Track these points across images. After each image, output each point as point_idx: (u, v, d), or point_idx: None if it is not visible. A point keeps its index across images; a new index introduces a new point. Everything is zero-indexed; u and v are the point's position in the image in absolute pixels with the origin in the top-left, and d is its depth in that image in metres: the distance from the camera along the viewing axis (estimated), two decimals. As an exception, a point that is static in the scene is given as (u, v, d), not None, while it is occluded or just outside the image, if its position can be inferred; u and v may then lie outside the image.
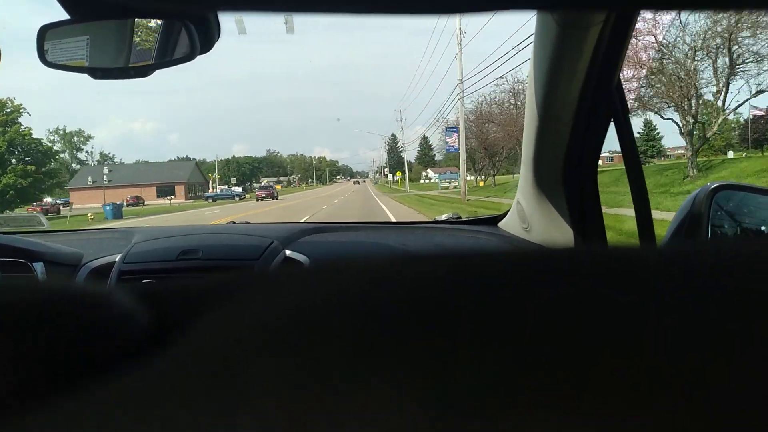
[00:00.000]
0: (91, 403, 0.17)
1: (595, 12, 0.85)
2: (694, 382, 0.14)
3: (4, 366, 0.17)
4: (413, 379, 0.15)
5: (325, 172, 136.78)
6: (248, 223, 1.76)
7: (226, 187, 65.32)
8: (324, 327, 0.18)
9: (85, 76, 0.91)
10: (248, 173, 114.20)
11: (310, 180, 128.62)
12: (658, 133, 43.84)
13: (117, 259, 1.33)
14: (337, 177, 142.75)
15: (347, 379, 0.16)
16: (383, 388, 0.15)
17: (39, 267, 1.34)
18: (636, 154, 1.05)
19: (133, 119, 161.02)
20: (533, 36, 1.04)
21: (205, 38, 0.86)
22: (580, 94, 1.01)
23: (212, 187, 65.44)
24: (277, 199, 38.01)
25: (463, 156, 22.34)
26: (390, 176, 63.36)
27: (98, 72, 0.91)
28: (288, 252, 1.36)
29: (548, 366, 0.15)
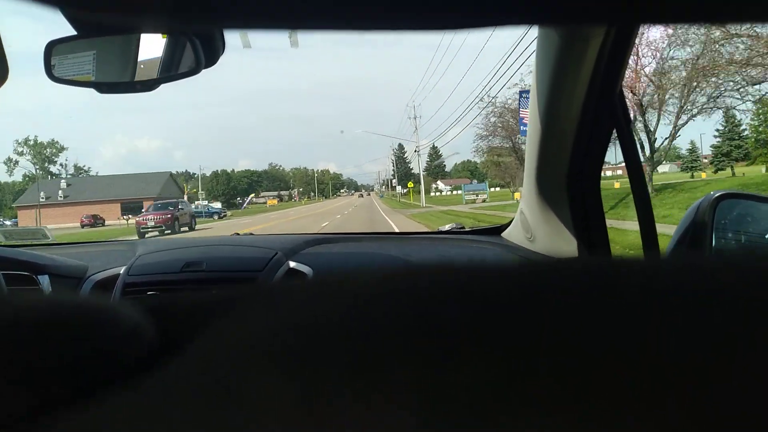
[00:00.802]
0: (98, 417, 0.17)
1: (596, 25, 0.86)
2: (698, 393, 0.14)
3: (11, 382, 0.17)
4: (416, 393, 0.15)
5: (328, 185, 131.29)
6: (252, 234, 1.76)
7: (204, 203, 53.56)
8: (327, 341, 0.18)
9: (91, 94, 0.92)
10: (246, 188, 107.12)
11: (312, 194, 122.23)
12: (743, 130, 34.10)
13: (121, 272, 1.34)
14: (341, 191, 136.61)
15: (350, 392, 0.16)
16: (386, 402, 0.15)
17: (44, 280, 1.34)
18: (639, 163, 1.05)
19: (138, 137, 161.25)
20: (535, 47, 1.05)
21: (210, 53, 0.87)
22: (583, 104, 1.02)
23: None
24: (193, 229, 23.61)
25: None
26: (399, 188, 57.29)
27: (104, 86, 0.92)
28: (292, 263, 1.36)
29: (552, 378, 0.15)
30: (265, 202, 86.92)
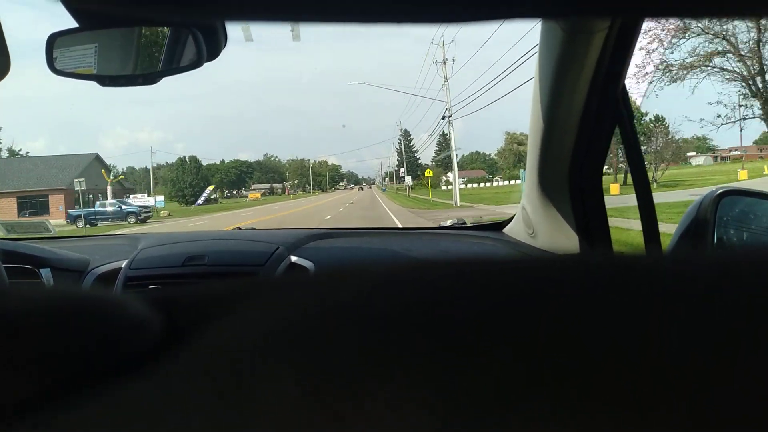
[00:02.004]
0: (103, 409, 0.17)
1: (599, 19, 0.85)
2: (699, 389, 0.14)
3: (16, 372, 0.18)
4: (419, 385, 0.15)
5: (325, 177, 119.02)
6: (254, 228, 1.76)
7: (144, 198, 38.58)
8: (331, 333, 0.18)
9: (92, 87, 0.92)
10: (234, 179, 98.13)
11: (308, 186, 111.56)
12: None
13: (123, 265, 1.34)
14: (340, 183, 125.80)
15: (355, 384, 0.16)
16: (390, 394, 0.15)
17: (46, 273, 1.34)
18: (641, 159, 1.05)
19: (139, 129, 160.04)
20: (538, 42, 1.04)
21: (212, 46, 0.87)
22: (586, 99, 1.02)
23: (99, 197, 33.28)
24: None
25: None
26: (407, 179, 47.93)
27: (106, 79, 0.92)
28: (293, 258, 1.36)
29: (554, 372, 0.15)
30: (248, 197, 79.70)
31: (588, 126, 1.06)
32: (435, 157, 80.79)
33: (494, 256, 0.23)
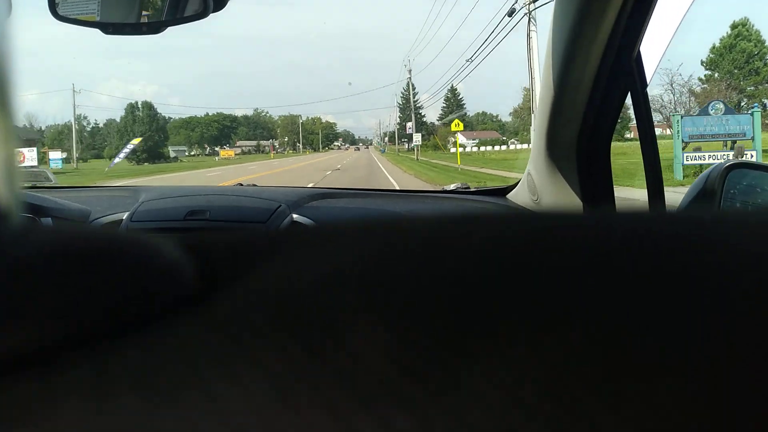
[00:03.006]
0: (144, 353, 0.17)
1: None
2: (702, 358, 0.14)
3: (45, 311, 0.17)
4: (420, 326, 0.16)
5: (317, 136, 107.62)
6: (255, 185, 1.76)
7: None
8: (340, 289, 0.18)
9: (89, 36, 0.90)
10: (216, 134, 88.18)
11: (298, 144, 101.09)
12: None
13: (125, 217, 1.34)
14: (335, 143, 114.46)
15: (358, 325, 0.16)
16: (395, 334, 0.15)
17: (47, 223, 1.34)
18: (652, 128, 1.04)
19: (133, 82, 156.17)
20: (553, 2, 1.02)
21: (219, -5, 0.84)
22: (599, 64, 0.99)
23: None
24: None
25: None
26: (417, 137, 38.55)
27: (110, 27, 0.90)
28: (295, 216, 1.36)
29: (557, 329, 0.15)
30: (218, 154, 68.97)
31: (600, 91, 1.04)
32: (441, 117, 70.56)
33: (499, 213, 0.23)
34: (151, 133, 55.63)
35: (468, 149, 54.05)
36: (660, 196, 1.04)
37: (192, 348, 0.16)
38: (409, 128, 49.71)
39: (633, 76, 1.01)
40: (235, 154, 71.68)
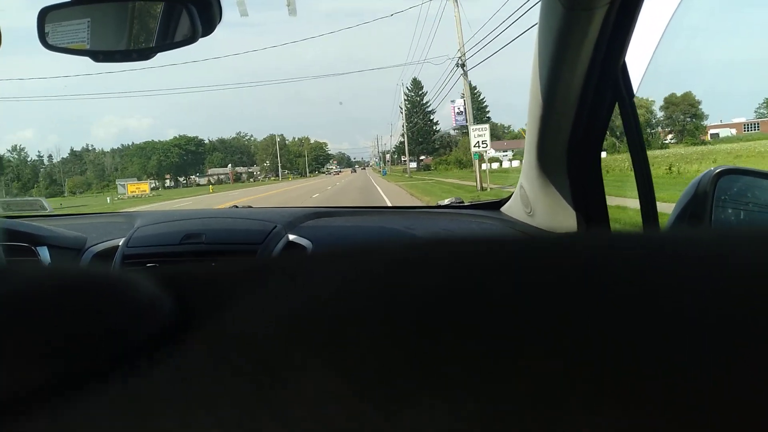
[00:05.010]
0: (117, 397, 0.16)
1: None
2: (694, 373, 0.14)
3: (15, 362, 0.17)
4: (458, 374, 0.15)
5: (303, 159, 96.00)
6: (251, 207, 1.76)
7: None
8: (353, 319, 0.18)
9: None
10: (178, 162, 77.85)
11: (288, 172, 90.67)
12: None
13: (120, 243, 1.34)
14: (329, 166, 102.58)
15: (386, 370, 0.15)
16: (426, 379, 0.15)
17: (43, 251, 1.34)
18: (641, 138, 1.05)
19: (128, 116, 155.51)
20: (538, 18, 1.03)
21: (207, 20, 0.85)
22: (585, 77, 1.01)
23: None
24: None
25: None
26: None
27: (100, 55, 0.90)
28: (291, 237, 1.36)
29: (552, 356, 0.15)
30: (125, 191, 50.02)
31: (587, 103, 1.05)
32: (460, 126, 57.05)
33: (497, 235, 0.23)
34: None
35: (505, 163, 40.84)
36: (651, 200, 1.04)
37: (148, 396, 0.16)
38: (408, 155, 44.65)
39: (619, 86, 1.02)
40: (151, 189, 54.41)
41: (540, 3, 1.01)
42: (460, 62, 18.16)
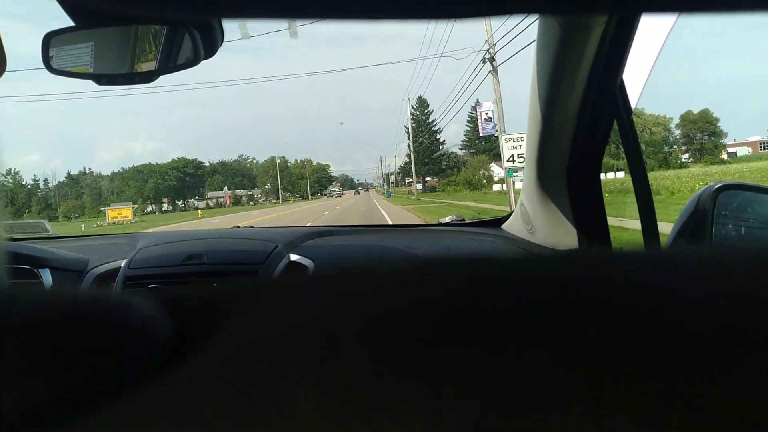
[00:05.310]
0: (118, 416, 0.17)
1: (597, 15, 0.85)
2: (696, 387, 0.14)
3: (18, 382, 0.17)
4: (445, 385, 0.15)
5: (306, 181, 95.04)
6: (252, 227, 1.76)
7: None
8: (351, 335, 0.18)
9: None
10: (176, 185, 76.17)
11: (289, 194, 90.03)
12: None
13: (122, 265, 1.34)
14: (332, 188, 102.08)
15: (380, 385, 0.16)
16: (417, 395, 0.15)
17: (45, 273, 1.34)
18: (640, 155, 1.05)
19: (133, 139, 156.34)
20: (535, 38, 1.04)
21: (209, 43, 0.86)
22: (583, 95, 1.01)
23: None
24: None
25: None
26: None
27: (103, 78, 0.92)
28: (293, 256, 1.36)
29: (556, 369, 0.15)
30: (105, 216, 46.87)
31: (586, 121, 1.06)
32: (466, 144, 55.21)
33: (499, 254, 0.23)
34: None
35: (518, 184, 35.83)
36: (652, 218, 1.04)
37: (145, 414, 0.16)
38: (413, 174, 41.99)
39: (617, 104, 1.03)
40: (133, 214, 49.12)
41: (538, 23, 1.02)
42: (488, 56, 15.69)
